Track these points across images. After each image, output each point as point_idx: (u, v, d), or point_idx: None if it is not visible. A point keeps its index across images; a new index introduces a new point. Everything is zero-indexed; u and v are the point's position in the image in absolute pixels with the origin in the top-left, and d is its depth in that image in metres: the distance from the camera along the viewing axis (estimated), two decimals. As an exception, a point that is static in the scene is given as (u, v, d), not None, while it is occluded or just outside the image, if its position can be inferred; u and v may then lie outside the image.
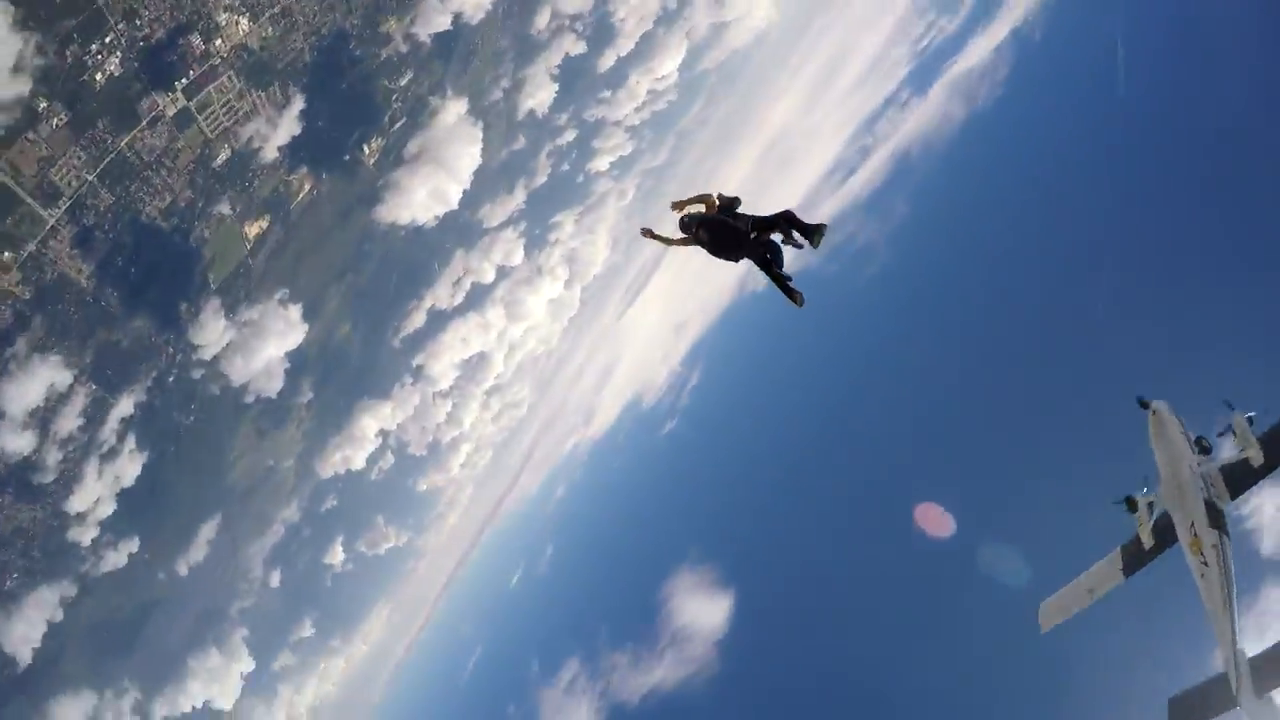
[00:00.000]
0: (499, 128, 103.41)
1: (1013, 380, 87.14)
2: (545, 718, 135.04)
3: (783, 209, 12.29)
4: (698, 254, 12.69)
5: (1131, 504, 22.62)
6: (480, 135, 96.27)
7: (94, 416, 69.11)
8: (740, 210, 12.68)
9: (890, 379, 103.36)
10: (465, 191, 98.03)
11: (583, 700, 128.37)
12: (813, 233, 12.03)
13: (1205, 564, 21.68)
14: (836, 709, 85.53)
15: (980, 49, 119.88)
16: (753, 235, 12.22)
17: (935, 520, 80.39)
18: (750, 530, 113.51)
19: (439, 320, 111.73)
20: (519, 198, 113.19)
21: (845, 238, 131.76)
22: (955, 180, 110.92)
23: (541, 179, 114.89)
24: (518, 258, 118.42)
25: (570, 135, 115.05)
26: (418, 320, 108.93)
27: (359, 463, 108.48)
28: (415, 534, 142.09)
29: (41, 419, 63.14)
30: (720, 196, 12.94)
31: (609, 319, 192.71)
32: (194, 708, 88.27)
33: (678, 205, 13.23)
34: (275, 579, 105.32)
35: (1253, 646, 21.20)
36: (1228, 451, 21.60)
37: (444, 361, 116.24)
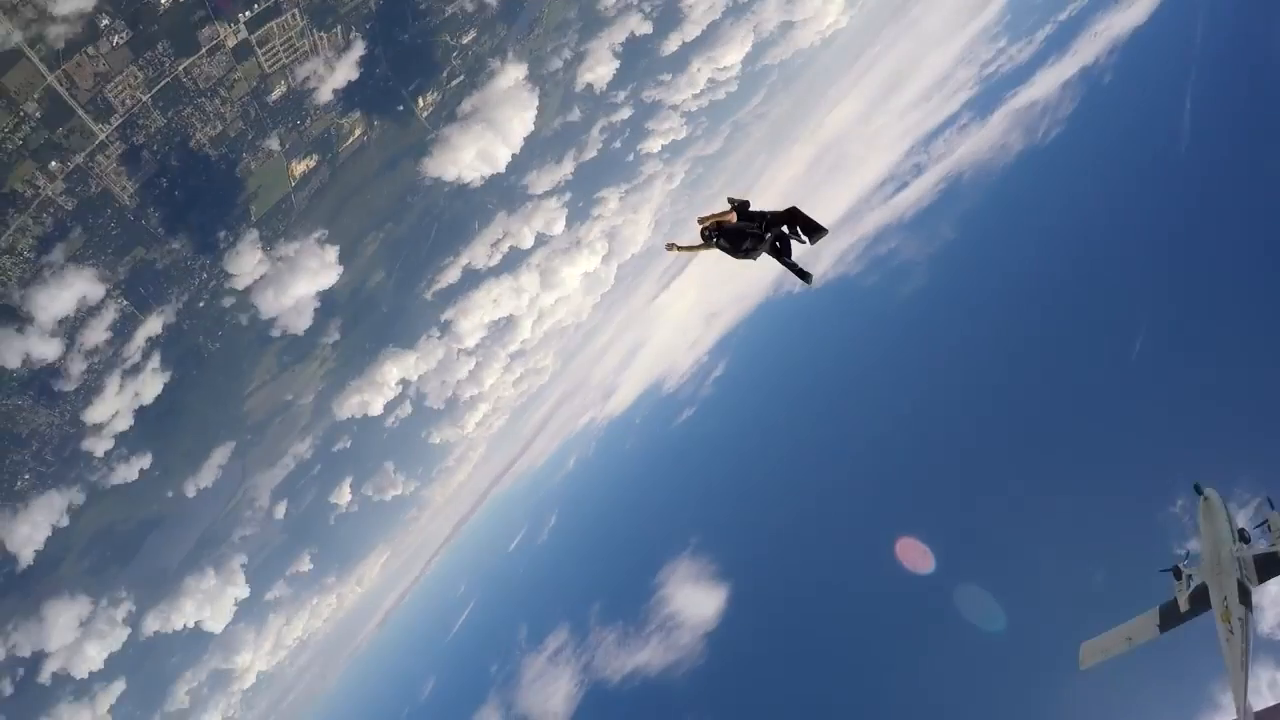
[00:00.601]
0: (555, 97, 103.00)
1: (1030, 422, 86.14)
2: (526, 682, 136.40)
3: (790, 206, 13.87)
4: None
5: (1177, 573, 26.80)
6: (536, 102, 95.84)
7: (122, 332, 70.12)
8: (751, 209, 14.10)
9: (911, 399, 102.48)
10: (514, 156, 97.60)
11: (565, 671, 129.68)
12: (814, 232, 13.67)
13: (1231, 632, 25.89)
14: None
15: (1047, 82, 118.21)
16: (766, 233, 13.66)
17: (916, 556, 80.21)
18: (754, 530, 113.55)
19: (473, 279, 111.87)
20: (567, 168, 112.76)
21: (888, 252, 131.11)
22: (1004, 211, 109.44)
23: (591, 153, 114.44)
24: (558, 228, 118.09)
25: (625, 113, 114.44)
26: (452, 276, 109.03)
27: (376, 408, 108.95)
28: (422, 485, 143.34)
29: (70, 328, 64.25)
30: (735, 210, 14.14)
31: (642, 300, 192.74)
32: (185, 626, 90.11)
33: (702, 220, 14.35)
34: (280, 511, 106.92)
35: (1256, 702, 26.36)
36: (1262, 541, 25.81)
37: (473, 320, 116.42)
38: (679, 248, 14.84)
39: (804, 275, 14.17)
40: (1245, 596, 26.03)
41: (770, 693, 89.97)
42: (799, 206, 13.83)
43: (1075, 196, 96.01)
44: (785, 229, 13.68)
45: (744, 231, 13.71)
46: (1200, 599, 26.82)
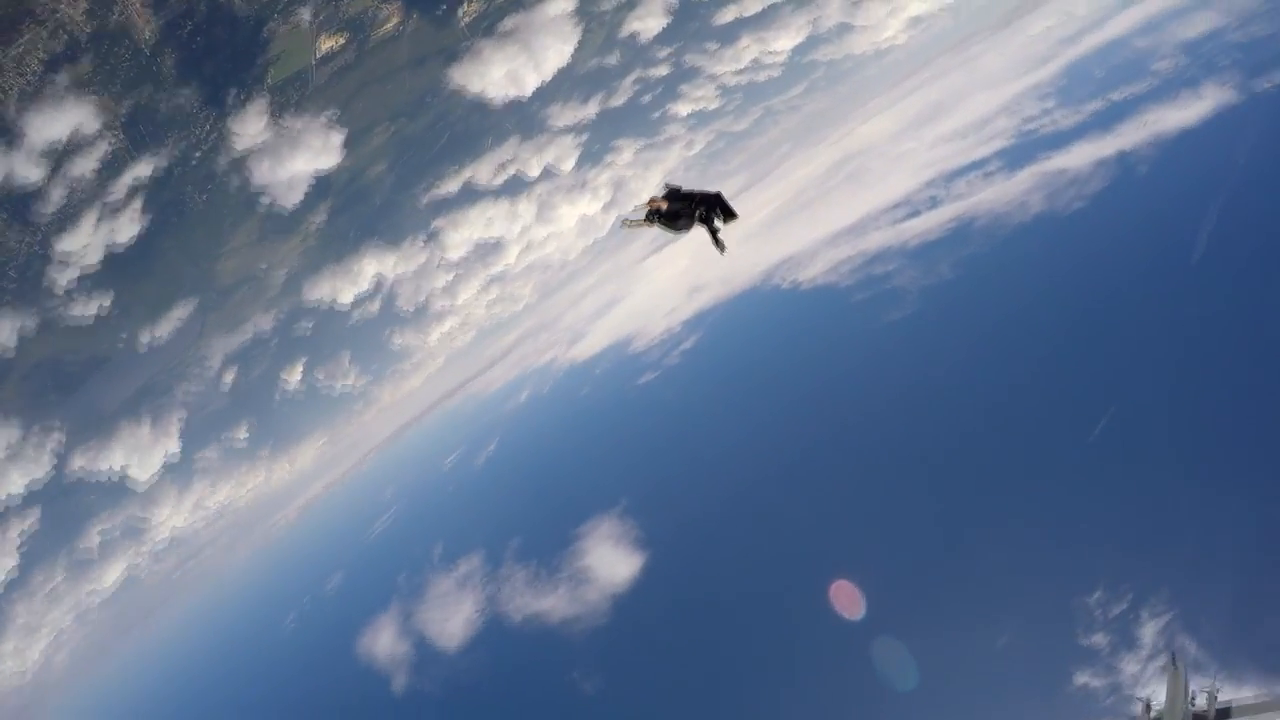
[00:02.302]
0: (598, 37, 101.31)
1: (970, 477, 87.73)
2: (429, 599, 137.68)
3: (716, 191, 15.70)
4: (735, 231, 15.90)
5: (1147, 707, 31.99)
6: (577, 38, 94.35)
7: (110, 168, 68.36)
8: (681, 191, 15.97)
9: (867, 421, 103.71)
10: (542, 85, 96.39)
11: (468, 597, 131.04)
12: (729, 216, 15.58)
13: None
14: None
15: (1083, 155, 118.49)
16: (695, 211, 15.55)
17: (847, 600, 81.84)
18: (685, 508, 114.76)
19: (471, 195, 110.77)
20: (591, 110, 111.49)
21: (883, 273, 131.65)
22: (1006, 267, 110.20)
23: (619, 101, 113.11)
24: (568, 165, 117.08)
25: (663, 70, 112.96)
26: (451, 187, 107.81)
27: (346, 299, 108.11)
28: (374, 382, 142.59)
29: (59, 155, 62.50)
30: (666, 196, 16.12)
31: (632, 257, 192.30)
32: (111, 471, 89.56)
33: (641, 206, 16.42)
34: (228, 378, 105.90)
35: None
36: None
37: (462, 234, 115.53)
38: (630, 223, 16.65)
39: (720, 245, 16.02)
40: None
41: (662, 671, 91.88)
42: (722, 193, 15.69)
43: (1078, 273, 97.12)
44: (706, 210, 15.47)
45: (677, 213, 15.65)
46: None
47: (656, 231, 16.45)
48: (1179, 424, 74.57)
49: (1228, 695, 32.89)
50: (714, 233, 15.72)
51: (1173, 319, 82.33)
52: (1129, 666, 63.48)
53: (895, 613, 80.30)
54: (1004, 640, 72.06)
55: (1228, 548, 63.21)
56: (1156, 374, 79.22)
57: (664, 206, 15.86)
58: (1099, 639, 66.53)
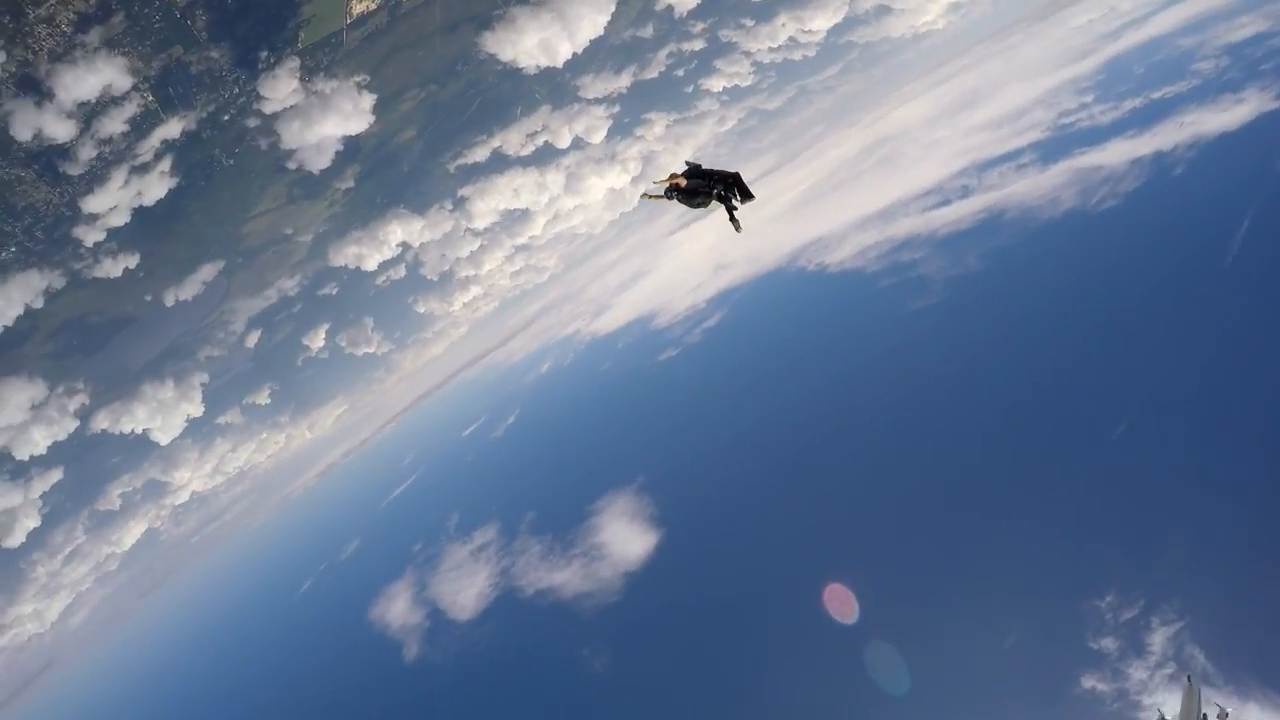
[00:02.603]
0: (633, 8, 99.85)
1: (988, 472, 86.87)
2: (444, 568, 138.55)
3: (735, 172, 16.44)
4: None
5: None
6: (612, 8, 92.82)
7: (140, 128, 68.16)
8: (701, 169, 16.63)
9: (887, 408, 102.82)
10: (575, 54, 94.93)
11: (483, 568, 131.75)
12: (746, 197, 16.33)
13: None
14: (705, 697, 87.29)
15: (1119, 152, 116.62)
16: (713, 190, 16.27)
17: (841, 603, 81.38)
18: (702, 487, 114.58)
19: (500, 163, 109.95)
20: (623, 82, 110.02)
21: (909, 261, 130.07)
22: (1034, 261, 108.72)
23: (652, 74, 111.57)
24: (598, 137, 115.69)
25: (698, 45, 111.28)
26: (480, 155, 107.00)
27: (371, 264, 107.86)
28: (397, 349, 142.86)
29: (89, 113, 62.31)
30: (687, 174, 16.74)
31: (659, 231, 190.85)
32: (133, 431, 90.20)
33: (659, 182, 17.02)
34: (252, 340, 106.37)
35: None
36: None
37: (489, 203, 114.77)
38: (649, 196, 17.34)
39: (737, 224, 16.60)
40: None
41: (670, 651, 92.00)
42: (740, 174, 16.38)
43: (1106, 271, 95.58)
44: (724, 190, 16.20)
45: (696, 190, 16.28)
46: None
47: (682, 207, 16.54)
48: (1203, 430, 73.39)
49: (1235, 714, 32.80)
50: (731, 211, 16.45)
51: (1201, 323, 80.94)
52: (1137, 673, 62.93)
53: (905, 606, 79.91)
54: (1013, 639, 71.53)
55: (1245, 561, 62.29)
56: (1182, 378, 77.99)
57: (684, 183, 16.51)
58: (1108, 643, 66.02)
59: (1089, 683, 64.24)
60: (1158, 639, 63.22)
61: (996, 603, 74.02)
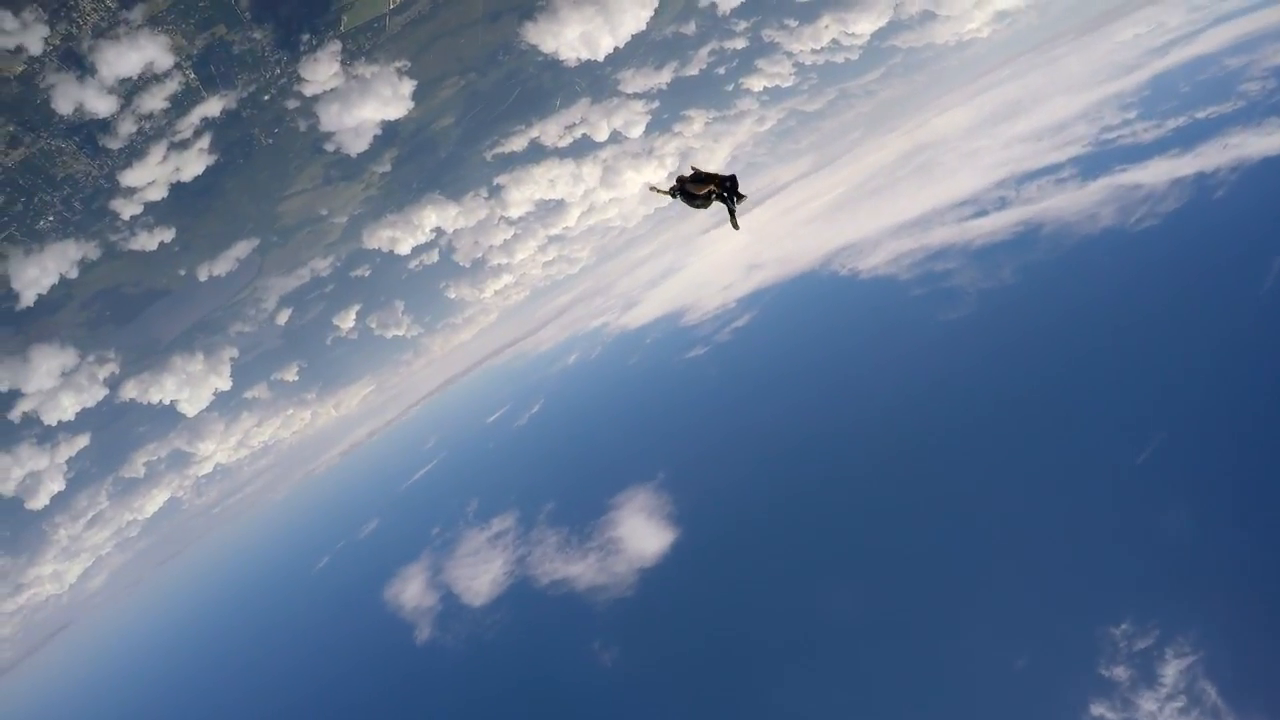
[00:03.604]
0: (676, 6, 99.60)
1: (1012, 489, 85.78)
2: (460, 553, 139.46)
3: (731, 174, 17.30)
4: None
5: None
6: (655, 4, 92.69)
7: (181, 105, 69.07)
8: (704, 172, 17.47)
9: (913, 418, 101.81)
10: (616, 49, 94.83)
11: (499, 555, 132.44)
12: (737, 197, 17.18)
13: None
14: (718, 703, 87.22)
15: (1160, 171, 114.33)
16: (712, 190, 17.20)
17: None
18: (722, 487, 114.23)
19: (537, 153, 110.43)
20: (664, 78, 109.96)
21: (943, 271, 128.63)
22: (1068, 278, 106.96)
23: (693, 71, 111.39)
24: (636, 132, 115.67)
25: (740, 44, 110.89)
26: (518, 144, 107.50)
27: (404, 248, 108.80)
28: (426, 333, 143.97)
29: (130, 90, 63.20)
30: (691, 177, 17.65)
31: (692, 228, 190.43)
32: (161, 401, 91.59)
33: (678, 178, 17.90)
34: (282, 318, 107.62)
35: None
36: None
37: (524, 192, 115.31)
38: (655, 189, 18.59)
39: (734, 222, 17.64)
40: None
41: (681, 649, 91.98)
42: (736, 176, 17.23)
43: (1141, 291, 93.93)
44: (723, 189, 17.07)
45: (697, 194, 17.22)
46: None
47: (718, 205, 17.43)
48: (1233, 459, 71.81)
49: None
50: (731, 210, 17.40)
51: (1235, 348, 79.29)
52: (1147, 704, 61.92)
53: (917, 618, 79.40)
54: (1023, 661, 70.70)
55: (1266, 597, 60.99)
56: (1213, 403, 76.48)
57: (688, 175, 17.56)
58: (1120, 671, 64.99)
59: (1098, 710, 63.41)
60: (1170, 670, 62.17)
61: (1010, 623, 73.26)
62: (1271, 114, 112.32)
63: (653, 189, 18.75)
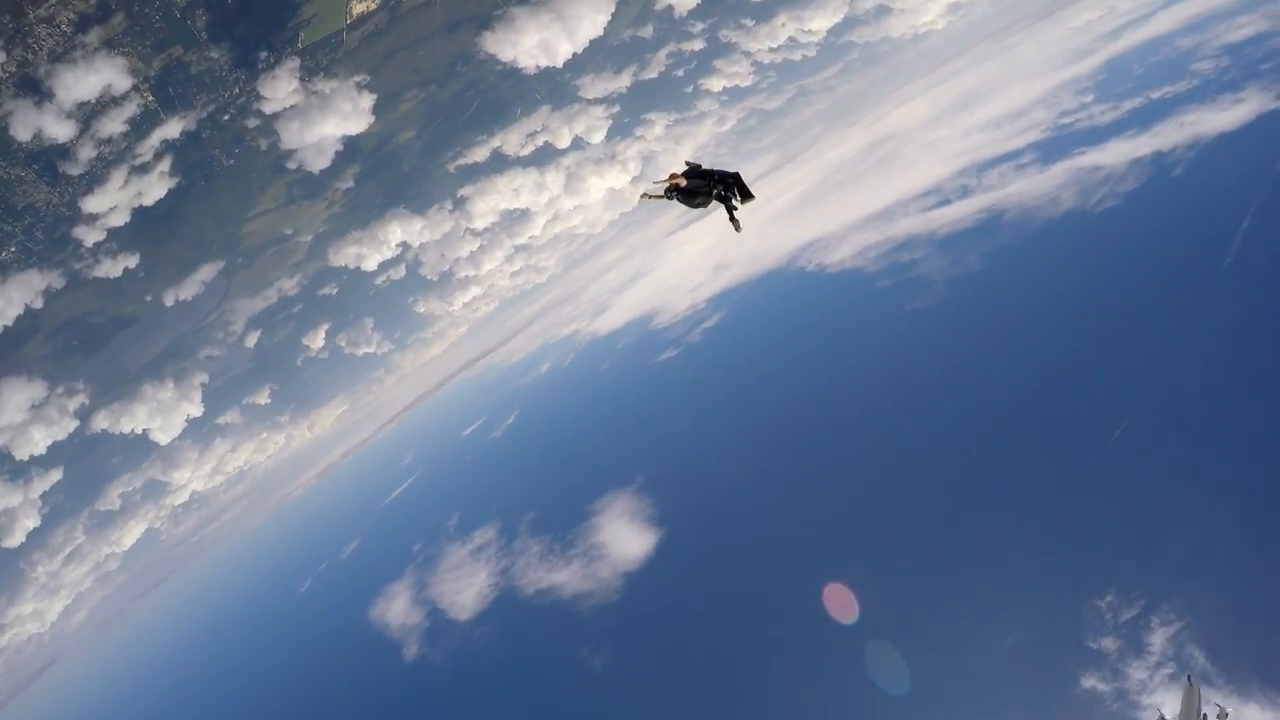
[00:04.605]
0: (633, 9, 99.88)
1: (987, 473, 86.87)
2: (444, 568, 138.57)
3: (735, 171, 16.42)
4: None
5: None
6: (612, 9, 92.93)
7: (140, 128, 68.30)
8: (701, 169, 16.57)
9: (886, 408, 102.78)
10: (575, 55, 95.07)
11: (483, 568, 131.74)
12: (746, 196, 16.29)
13: None
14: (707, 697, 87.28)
15: (1118, 152, 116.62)
16: (713, 190, 16.23)
17: (841, 603, 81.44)
18: (700, 487, 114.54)
19: (500, 163, 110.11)
20: (623, 82, 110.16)
21: (909, 261, 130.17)
22: (1033, 262, 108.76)
23: (652, 74, 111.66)
24: (598, 137, 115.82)
25: (698, 45, 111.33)
26: (480, 155, 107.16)
27: (371, 264, 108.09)
28: (396, 349, 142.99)
29: (88, 113, 62.40)
30: (686, 173, 16.65)
31: (658, 232, 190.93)
32: (133, 431, 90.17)
33: (659, 182, 16.93)
34: (251, 340, 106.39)
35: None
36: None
37: (488, 203, 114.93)
38: (649, 196, 17.19)
39: (736, 224, 16.52)
40: None
41: (670, 650, 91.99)
42: (740, 174, 16.35)
43: (1105, 271, 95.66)
44: (724, 189, 16.17)
45: (696, 190, 16.25)
46: None
47: (682, 207, 16.50)
48: (1202, 430, 73.38)
49: (1235, 713, 32.96)
50: (731, 211, 16.38)
51: (1200, 323, 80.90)
52: (1136, 672, 62.87)
53: (905, 605, 79.98)
54: (1013, 639, 71.56)
55: (1244, 560, 62.35)
56: (1181, 378, 78.04)
57: (684, 183, 16.41)
58: (1108, 643, 66.00)
59: (1088, 682, 64.22)
60: (1157, 639, 63.19)
61: (997, 603, 74.06)
62: (1224, 91, 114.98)
63: (646, 196, 17.37)
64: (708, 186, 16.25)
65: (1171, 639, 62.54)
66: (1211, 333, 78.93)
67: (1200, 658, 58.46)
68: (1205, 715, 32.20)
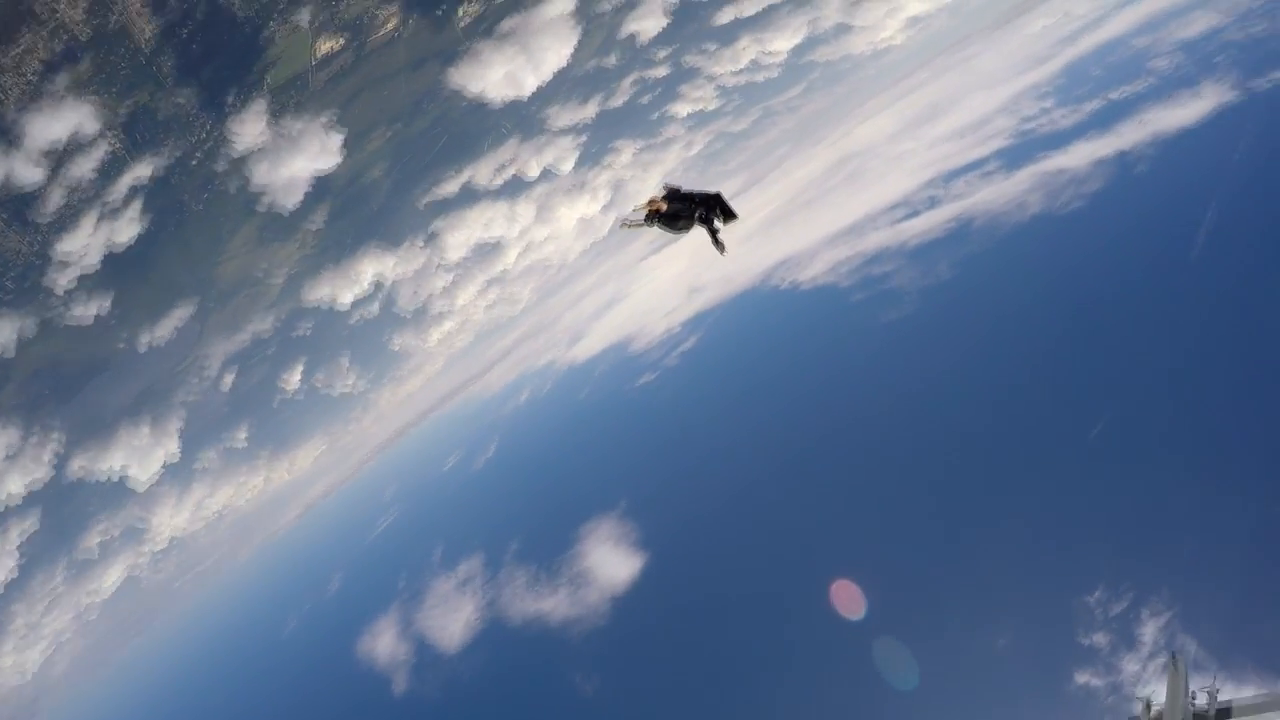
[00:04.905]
0: (596, 38, 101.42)
1: (969, 476, 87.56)
2: (429, 601, 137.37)
3: (715, 191, 15.59)
4: (734, 232, 15.84)
5: (1148, 706, 31.68)
6: (576, 39, 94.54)
7: (109, 172, 68.54)
8: (681, 191, 15.73)
9: (867, 420, 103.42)
10: (541, 86, 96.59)
11: (469, 599, 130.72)
12: (729, 217, 15.47)
13: None
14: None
15: (1081, 154, 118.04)
16: (695, 213, 15.39)
17: (848, 599, 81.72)
18: (683, 509, 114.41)
19: (470, 196, 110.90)
20: (590, 111, 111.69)
21: (881, 274, 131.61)
22: (1004, 267, 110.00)
23: (618, 102, 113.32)
24: (567, 167, 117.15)
25: (662, 71, 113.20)
26: (450, 189, 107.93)
27: (345, 301, 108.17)
28: (373, 386, 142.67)
29: (57, 158, 62.57)
30: (666, 197, 15.83)
31: (631, 257, 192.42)
32: (110, 476, 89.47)
33: (640, 208, 16.00)
34: (227, 382, 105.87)
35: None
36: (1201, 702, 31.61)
37: (460, 236, 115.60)
38: (629, 224, 16.22)
39: (720, 246, 15.81)
40: None
41: (662, 672, 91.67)
42: (721, 193, 15.61)
43: (1076, 272, 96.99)
44: (707, 210, 15.37)
45: (677, 214, 15.44)
46: None
47: (655, 232, 16.17)
48: (1178, 423, 74.38)
49: (1228, 694, 33.24)
50: (714, 233, 15.65)
51: (1171, 317, 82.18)
52: (1130, 665, 63.17)
53: (895, 614, 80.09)
54: (1004, 641, 71.88)
55: (1228, 547, 63.05)
56: (1155, 373, 79.07)
57: (664, 207, 15.64)
58: (1099, 638, 66.27)
59: (1082, 678, 64.52)
60: (1148, 630, 63.57)
61: (985, 607, 74.31)
62: (1181, 86, 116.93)
63: (626, 224, 16.38)
64: (689, 209, 15.57)
65: (1163, 629, 63.01)
66: (1182, 325, 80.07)
67: (1192, 646, 59.11)
68: (1194, 695, 32.25)
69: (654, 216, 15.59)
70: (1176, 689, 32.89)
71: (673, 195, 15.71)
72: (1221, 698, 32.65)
